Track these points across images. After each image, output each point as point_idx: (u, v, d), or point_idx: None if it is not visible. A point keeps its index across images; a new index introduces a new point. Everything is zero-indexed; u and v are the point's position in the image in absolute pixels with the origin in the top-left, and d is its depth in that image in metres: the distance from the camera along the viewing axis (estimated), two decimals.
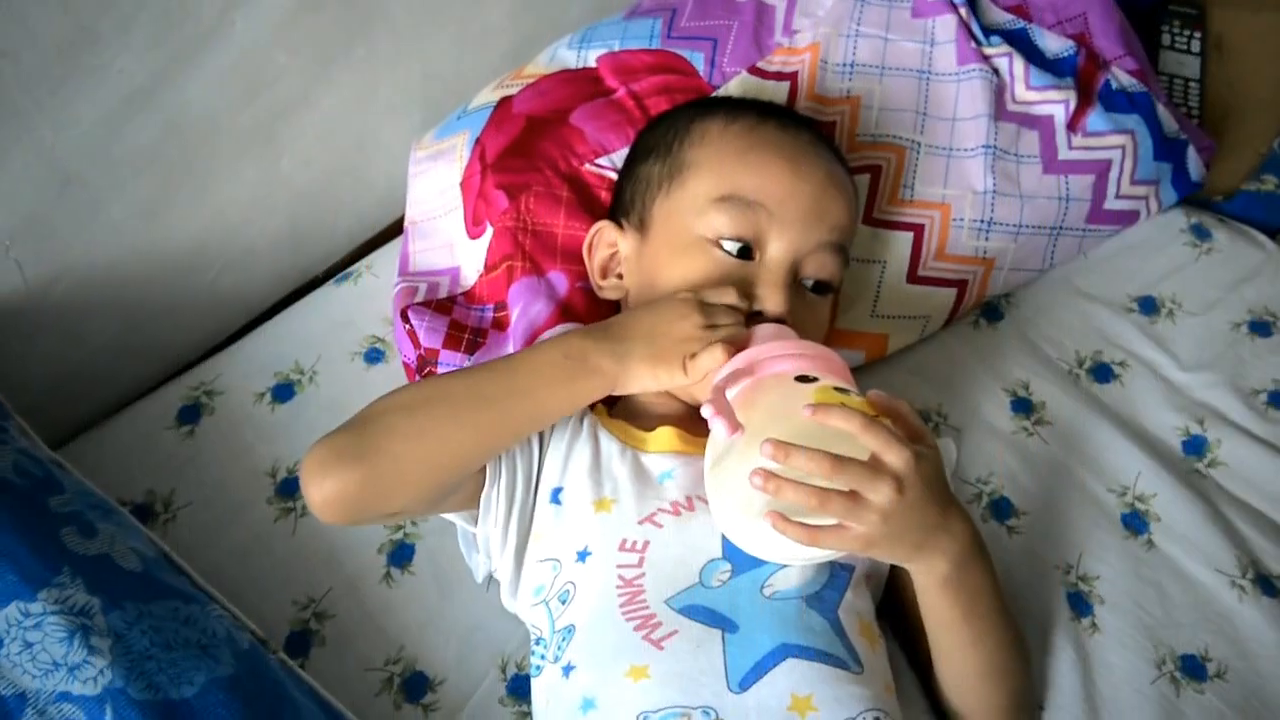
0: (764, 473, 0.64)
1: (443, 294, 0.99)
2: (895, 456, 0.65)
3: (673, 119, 0.91)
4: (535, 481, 0.80)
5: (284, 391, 0.96)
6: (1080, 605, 0.85)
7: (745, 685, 0.69)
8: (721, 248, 0.81)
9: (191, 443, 0.93)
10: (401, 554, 0.88)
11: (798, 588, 0.73)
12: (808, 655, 0.70)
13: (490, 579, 0.84)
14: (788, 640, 0.70)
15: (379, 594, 0.86)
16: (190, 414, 0.95)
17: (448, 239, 1.01)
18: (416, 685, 0.82)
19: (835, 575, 0.75)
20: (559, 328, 0.92)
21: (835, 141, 0.99)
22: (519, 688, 0.82)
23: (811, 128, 0.90)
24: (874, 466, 0.65)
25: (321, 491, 0.70)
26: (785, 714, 0.68)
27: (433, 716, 0.81)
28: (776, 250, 0.81)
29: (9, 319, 0.90)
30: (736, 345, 0.73)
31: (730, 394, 0.71)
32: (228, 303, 1.06)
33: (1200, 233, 1.09)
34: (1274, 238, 1.12)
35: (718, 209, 0.81)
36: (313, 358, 0.98)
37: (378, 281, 1.04)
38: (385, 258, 1.06)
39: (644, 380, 0.74)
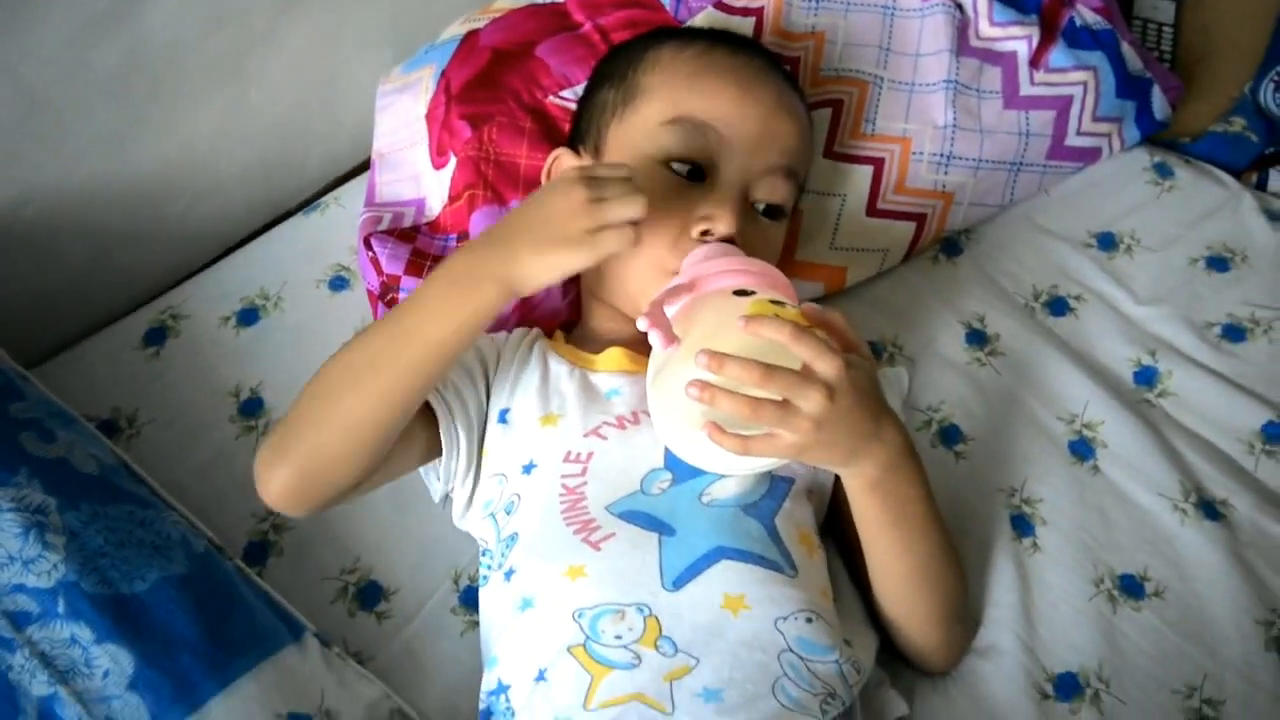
0: (699, 383, 0.65)
1: (407, 224, 1.00)
2: (826, 365, 0.66)
3: (629, 48, 0.92)
4: (485, 410, 0.81)
5: (249, 316, 0.98)
6: (1023, 526, 0.87)
7: (679, 584, 0.70)
8: (672, 169, 0.82)
9: (157, 364, 0.95)
10: None
11: (736, 497, 0.75)
12: (742, 557, 0.72)
13: (446, 499, 0.86)
14: (723, 543, 0.72)
15: (337, 509, 0.87)
16: (156, 336, 0.97)
17: (414, 170, 1.03)
18: (371, 594, 0.84)
19: (774, 486, 0.77)
20: None
21: (797, 74, 1.00)
22: (471, 599, 0.84)
23: (764, 54, 0.91)
24: (806, 375, 0.66)
25: (269, 493, 0.72)
26: (718, 611, 0.70)
27: (386, 624, 0.83)
28: (726, 171, 0.82)
29: None
30: (633, 210, 0.70)
31: (671, 310, 0.73)
32: (199, 234, 1.07)
33: (1163, 171, 1.10)
34: (1239, 178, 1.12)
35: (668, 131, 0.83)
36: (278, 284, 1.00)
37: (345, 212, 1.06)
38: (353, 190, 1.08)
39: (538, 272, 0.70)
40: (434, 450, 0.80)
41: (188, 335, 0.97)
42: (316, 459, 0.71)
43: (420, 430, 0.78)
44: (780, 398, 0.65)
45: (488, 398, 0.81)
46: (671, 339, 0.70)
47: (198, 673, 0.69)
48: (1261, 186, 1.12)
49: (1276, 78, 1.19)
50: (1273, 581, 0.84)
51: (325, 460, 0.71)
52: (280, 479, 0.71)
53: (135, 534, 0.74)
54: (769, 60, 0.90)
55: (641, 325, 0.69)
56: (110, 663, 0.68)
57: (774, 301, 0.70)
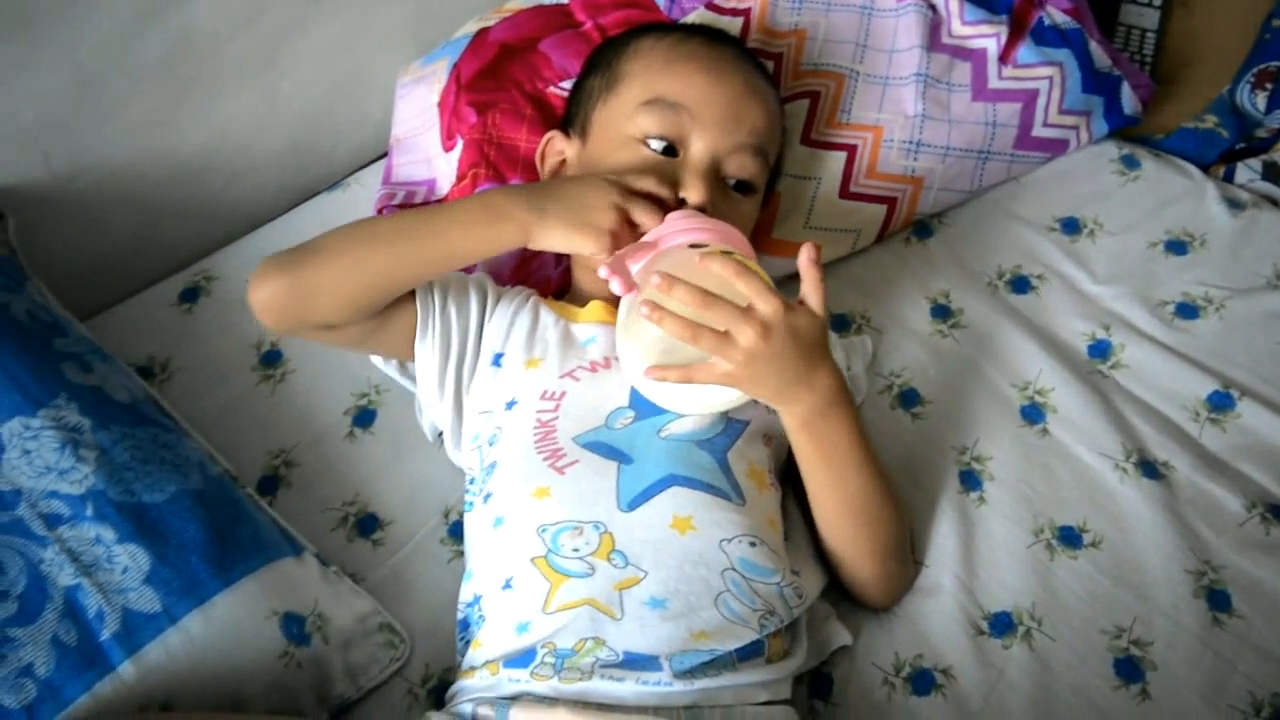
0: (650, 303, 0.72)
1: (418, 201, 1.10)
2: (765, 304, 0.73)
3: (615, 40, 1.01)
4: (478, 347, 0.90)
5: None
6: (971, 481, 0.93)
7: (633, 506, 0.78)
8: (648, 146, 0.91)
9: (190, 318, 1.05)
10: (365, 417, 0.99)
11: (691, 433, 0.82)
12: (692, 484, 0.79)
13: (440, 437, 0.94)
14: (675, 471, 0.80)
15: (342, 449, 0.97)
16: (190, 295, 1.07)
17: (426, 153, 1.13)
18: (368, 524, 0.93)
19: (729, 426, 0.84)
20: None
21: (779, 68, 1.09)
22: (458, 531, 0.92)
23: (736, 44, 1.00)
24: (746, 312, 0.73)
25: (258, 296, 0.81)
26: (666, 530, 0.77)
27: (379, 550, 0.92)
28: (697, 148, 0.91)
29: (38, 205, 1.03)
30: (650, 222, 0.82)
31: (637, 265, 0.81)
32: (234, 211, 1.17)
33: (1130, 162, 1.16)
34: (1206, 171, 1.17)
35: (645, 111, 0.91)
36: None
37: (365, 191, 1.16)
38: (375, 172, 1.18)
39: (556, 238, 0.82)
40: (399, 348, 0.89)
41: (218, 294, 1.07)
42: (312, 280, 0.81)
43: (404, 325, 0.87)
44: (722, 328, 0.73)
45: (480, 337, 0.90)
46: (630, 286, 0.78)
47: (205, 572, 0.78)
48: (1228, 179, 1.18)
49: (1252, 79, 1.24)
50: (1206, 535, 0.90)
51: (321, 288, 0.81)
52: (272, 288, 0.81)
53: (158, 454, 0.83)
54: (740, 50, 0.99)
55: (602, 274, 0.78)
56: (129, 560, 0.77)
57: (726, 253, 0.78)
